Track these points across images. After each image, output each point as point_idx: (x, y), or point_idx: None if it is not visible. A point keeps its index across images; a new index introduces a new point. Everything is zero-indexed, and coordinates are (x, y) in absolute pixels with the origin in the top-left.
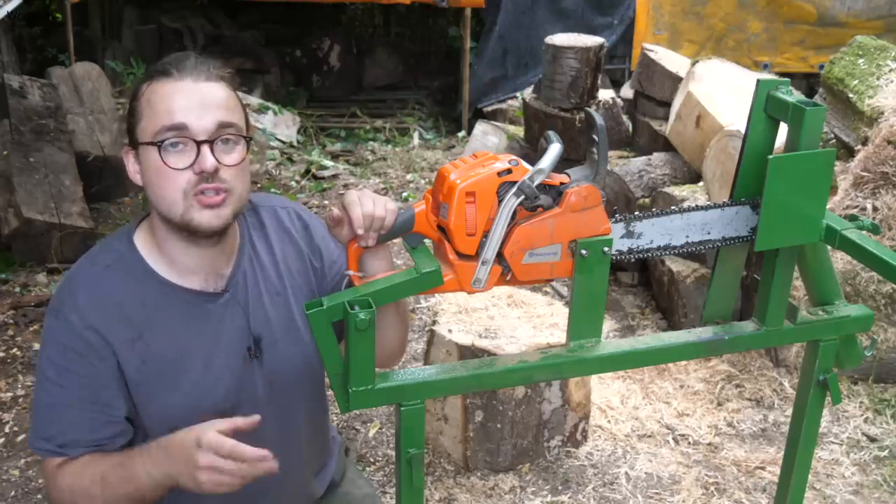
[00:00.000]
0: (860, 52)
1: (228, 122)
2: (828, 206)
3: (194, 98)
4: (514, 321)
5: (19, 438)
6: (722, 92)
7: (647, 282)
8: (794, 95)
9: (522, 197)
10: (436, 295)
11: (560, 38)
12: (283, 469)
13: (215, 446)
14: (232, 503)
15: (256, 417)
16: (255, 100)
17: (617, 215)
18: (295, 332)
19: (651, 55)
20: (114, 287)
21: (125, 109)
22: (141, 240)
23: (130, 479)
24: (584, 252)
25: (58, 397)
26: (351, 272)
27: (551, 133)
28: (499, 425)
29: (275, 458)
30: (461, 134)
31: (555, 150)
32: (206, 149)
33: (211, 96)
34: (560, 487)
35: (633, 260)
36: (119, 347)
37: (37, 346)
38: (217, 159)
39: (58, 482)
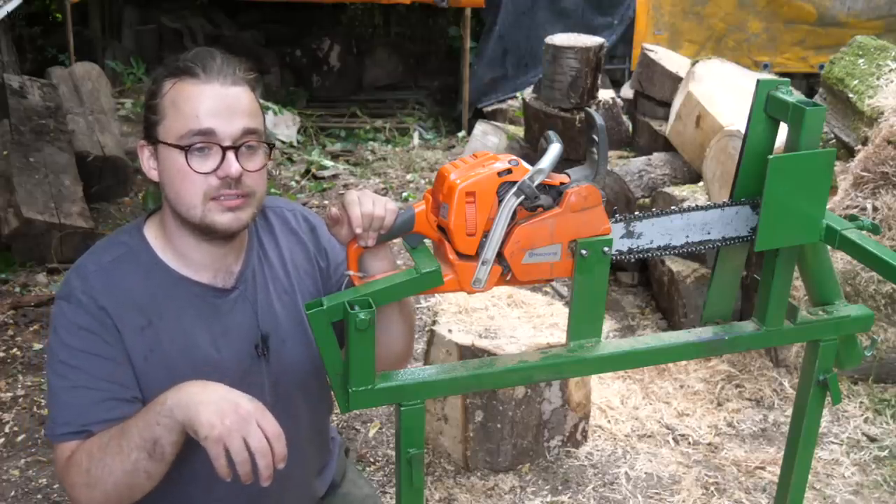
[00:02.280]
0: (860, 52)
1: (253, 129)
2: (828, 206)
3: (222, 103)
4: (514, 321)
5: (19, 438)
6: (722, 92)
7: (647, 282)
8: (794, 95)
9: (522, 197)
10: (436, 295)
11: (560, 38)
12: (286, 468)
13: (266, 419)
14: (236, 500)
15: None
16: None
17: (617, 215)
18: (303, 331)
19: (651, 55)
20: (123, 276)
21: (141, 104)
22: (151, 233)
23: (147, 425)
24: (584, 252)
25: (74, 380)
26: (351, 272)
27: (551, 133)
28: (499, 425)
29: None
30: (461, 134)
31: (555, 150)
32: (231, 155)
33: (238, 102)
34: (560, 487)
35: (633, 260)
36: (127, 334)
37: (37, 346)
38: (241, 165)
39: (73, 468)
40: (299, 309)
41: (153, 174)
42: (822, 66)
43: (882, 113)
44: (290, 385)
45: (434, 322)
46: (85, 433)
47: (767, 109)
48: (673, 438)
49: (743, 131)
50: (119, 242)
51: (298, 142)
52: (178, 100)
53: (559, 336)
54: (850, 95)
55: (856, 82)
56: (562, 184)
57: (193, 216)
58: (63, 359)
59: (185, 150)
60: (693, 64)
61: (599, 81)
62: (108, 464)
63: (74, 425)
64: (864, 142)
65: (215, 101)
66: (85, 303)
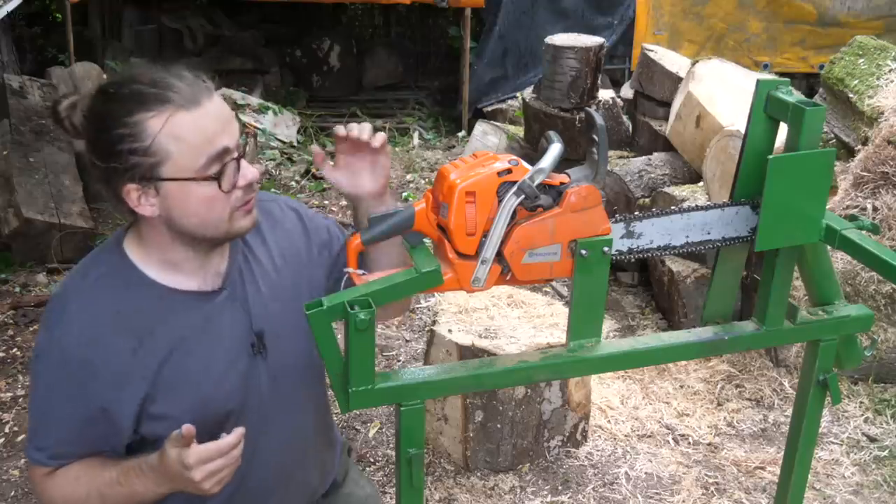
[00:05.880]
0: (860, 52)
1: (240, 127)
2: (828, 206)
3: (219, 118)
4: (514, 321)
5: (19, 438)
6: (722, 92)
7: (647, 282)
8: (794, 95)
9: (522, 197)
10: (436, 295)
11: (560, 38)
12: (291, 464)
13: (202, 459)
14: (241, 501)
15: (241, 430)
16: (255, 100)
17: (617, 215)
18: (297, 323)
19: (651, 55)
20: (108, 298)
21: (124, 146)
22: (132, 247)
23: (133, 496)
24: (584, 252)
25: (49, 412)
26: (350, 270)
27: (552, 133)
28: (499, 425)
29: (281, 453)
30: (461, 134)
31: (555, 149)
32: (244, 162)
33: (226, 109)
34: (560, 487)
35: (633, 260)
36: (120, 360)
37: None
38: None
39: (49, 491)
40: (290, 301)
41: (149, 210)
42: (822, 66)
43: (882, 113)
44: (289, 380)
45: (434, 322)
46: (54, 464)
47: (767, 109)
48: (673, 438)
49: (743, 131)
50: (101, 261)
51: (298, 142)
52: (182, 133)
53: (559, 336)
54: (850, 95)
55: (856, 82)
56: (562, 184)
57: (218, 233)
58: (40, 390)
59: (217, 178)
60: (693, 64)
61: (599, 81)
62: None
63: (44, 455)
64: (864, 142)
65: (215, 119)
66: (65, 343)
